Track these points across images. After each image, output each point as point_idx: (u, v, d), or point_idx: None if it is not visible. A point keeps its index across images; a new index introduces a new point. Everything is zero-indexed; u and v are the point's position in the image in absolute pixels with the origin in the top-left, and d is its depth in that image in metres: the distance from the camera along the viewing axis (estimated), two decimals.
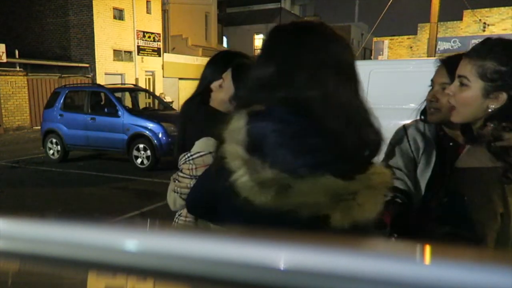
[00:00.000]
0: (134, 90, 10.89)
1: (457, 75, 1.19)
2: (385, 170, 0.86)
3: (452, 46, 20.34)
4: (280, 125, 0.79)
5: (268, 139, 0.78)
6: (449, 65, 1.38)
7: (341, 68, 0.84)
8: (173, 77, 21.41)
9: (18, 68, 15.82)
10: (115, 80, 18.54)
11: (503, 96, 1.13)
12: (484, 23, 19.95)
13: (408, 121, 1.54)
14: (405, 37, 22.60)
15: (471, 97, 1.16)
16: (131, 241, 0.46)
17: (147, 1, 21.05)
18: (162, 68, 21.51)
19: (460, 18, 20.98)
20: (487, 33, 19.76)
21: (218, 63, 1.64)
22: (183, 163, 1.42)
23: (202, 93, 1.61)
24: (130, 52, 20.35)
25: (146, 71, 21.14)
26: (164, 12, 22.97)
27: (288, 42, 0.85)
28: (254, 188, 0.76)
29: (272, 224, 0.69)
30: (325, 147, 0.78)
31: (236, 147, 0.79)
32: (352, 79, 0.85)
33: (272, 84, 0.83)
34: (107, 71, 19.08)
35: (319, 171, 0.76)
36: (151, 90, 19.01)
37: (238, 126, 0.81)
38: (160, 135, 8.14)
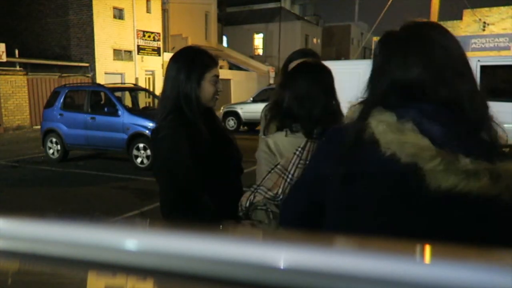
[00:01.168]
0: (134, 90, 10.89)
1: None
2: None
3: None
4: (445, 120, 0.85)
5: (438, 133, 0.83)
6: None
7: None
8: None
9: (18, 68, 15.81)
10: (115, 80, 18.53)
11: None
12: (484, 22, 19.93)
13: None
14: None
15: None
16: (131, 241, 0.46)
17: (147, 1, 21.04)
18: (162, 68, 21.48)
19: (460, 17, 20.95)
20: (487, 32, 19.75)
21: (184, 61, 1.70)
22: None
23: (174, 110, 1.63)
24: (130, 52, 20.34)
25: (146, 71, 21.13)
26: (164, 11, 22.97)
27: (432, 41, 0.89)
28: (460, 177, 0.79)
29: (467, 210, 0.80)
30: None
31: (422, 139, 0.83)
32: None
33: (418, 84, 0.87)
34: (107, 70, 19.07)
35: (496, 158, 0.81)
36: (151, 90, 19.00)
37: (391, 120, 0.86)
38: None
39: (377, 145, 0.86)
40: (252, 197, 1.46)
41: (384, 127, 0.86)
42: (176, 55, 1.75)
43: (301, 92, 1.51)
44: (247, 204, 1.46)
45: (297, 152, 1.46)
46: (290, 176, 1.44)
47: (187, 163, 1.55)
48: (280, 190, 1.44)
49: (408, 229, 0.85)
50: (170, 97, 1.66)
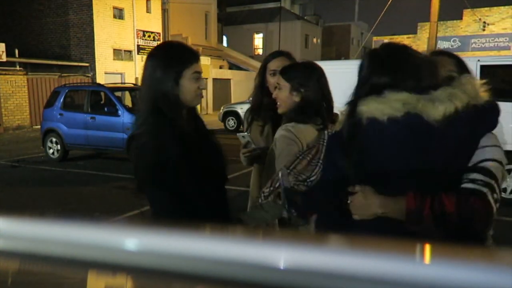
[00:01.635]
0: (134, 89, 10.87)
1: None
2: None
3: (452, 46, 20.32)
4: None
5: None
6: (457, 58, 1.56)
7: None
8: None
9: (18, 67, 15.80)
10: (115, 79, 18.53)
11: None
12: (484, 22, 19.93)
13: None
14: (405, 36, 22.57)
15: None
16: (131, 241, 0.46)
17: (147, 0, 21.03)
18: None
19: (460, 17, 20.95)
20: (487, 32, 19.76)
21: (163, 58, 1.52)
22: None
23: (158, 108, 1.48)
24: (130, 51, 20.34)
25: None
26: (164, 11, 22.96)
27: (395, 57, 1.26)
28: (445, 103, 1.09)
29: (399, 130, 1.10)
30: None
31: (401, 94, 1.12)
32: None
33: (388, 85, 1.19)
34: (107, 70, 19.06)
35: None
36: None
37: (375, 98, 1.15)
38: None
39: (375, 120, 1.11)
40: (282, 175, 1.51)
41: (374, 105, 1.12)
42: (152, 51, 1.55)
43: (326, 88, 1.77)
44: (276, 185, 1.55)
45: (321, 142, 1.65)
46: (321, 162, 1.62)
47: (177, 167, 1.42)
48: (313, 173, 1.59)
49: (425, 158, 1.09)
50: (147, 98, 1.50)
